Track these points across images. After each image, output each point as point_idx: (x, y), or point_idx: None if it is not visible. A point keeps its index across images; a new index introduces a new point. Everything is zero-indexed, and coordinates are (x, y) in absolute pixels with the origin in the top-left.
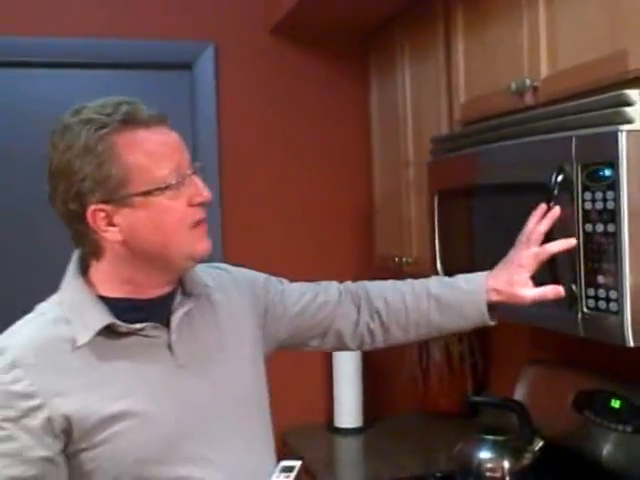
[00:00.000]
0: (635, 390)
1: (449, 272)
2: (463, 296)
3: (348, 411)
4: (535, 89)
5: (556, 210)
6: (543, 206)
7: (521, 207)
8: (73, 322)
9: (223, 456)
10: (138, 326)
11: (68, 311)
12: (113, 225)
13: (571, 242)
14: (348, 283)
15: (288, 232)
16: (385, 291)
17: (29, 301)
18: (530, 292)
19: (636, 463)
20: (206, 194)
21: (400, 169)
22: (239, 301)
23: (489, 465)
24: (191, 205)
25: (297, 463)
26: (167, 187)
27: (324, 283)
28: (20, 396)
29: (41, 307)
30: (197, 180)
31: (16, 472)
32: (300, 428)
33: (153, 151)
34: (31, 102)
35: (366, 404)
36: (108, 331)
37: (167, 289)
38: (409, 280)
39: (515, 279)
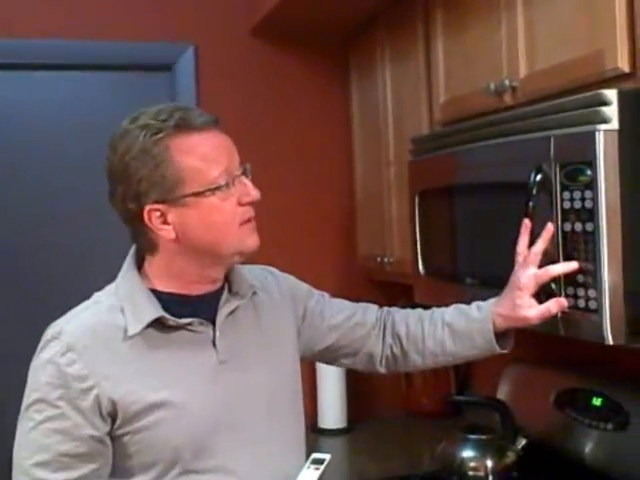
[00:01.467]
0: (616, 388)
1: (430, 272)
2: (473, 324)
3: (332, 412)
4: (514, 89)
5: (549, 228)
6: (527, 224)
7: (501, 206)
8: (126, 312)
9: (255, 451)
10: (186, 321)
11: (123, 301)
12: (167, 223)
13: (573, 265)
14: (378, 307)
15: (270, 232)
16: (408, 317)
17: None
18: (534, 312)
19: (618, 461)
20: (254, 194)
21: (381, 169)
22: (281, 303)
23: (472, 464)
24: (240, 204)
25: (327, 456)
26: (217, 188)
27: (363, 304)
28: (74, 378)
29: (97, 295)
30: (246, 181)
31: (67, 448)
32: None
33: (204, 154)
34: (11, 104)
35: (350, 405)
36: (158, 323)
37: (215, 287)
38: (434, 308)
39: (517, 303)
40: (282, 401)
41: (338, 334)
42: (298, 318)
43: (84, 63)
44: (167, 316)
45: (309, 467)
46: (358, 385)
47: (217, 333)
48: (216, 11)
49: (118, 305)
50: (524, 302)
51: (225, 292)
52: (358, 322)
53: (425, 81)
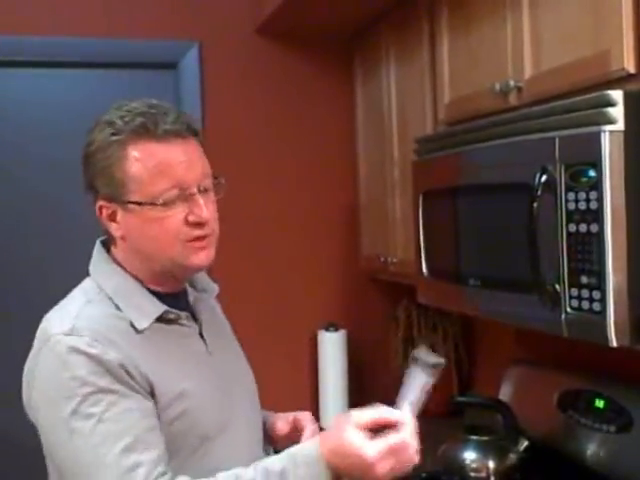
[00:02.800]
0: (619, 390)
1: (433, 272)
2: None
3: (333, 411)
4: (519, 90)
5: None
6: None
7: (506, 207)
8: (123, 307)
9: (246, 432)
10: (184, 314)
11: (116, 297)
12: (116, 221)
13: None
14: None
15: (273, 231)
16: None
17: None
18: None
19: (620, 463)
20: (199, 214)
21: (385, 169)
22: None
23: (474, 465)
24: (186, 223)
25: (441, 360)
26: (158, 204)
27: None
28: (115, 364)
29: (81, 292)
30: (198, 199)
31: (144, 424)
32: None
33: (154, 166)
34: (15, 102)
35: (351, 404)
36: (160, 317)
37: (178, 288)
38: None
39: None
40: (251, 384)
41: None
42: None
43: (88, 61)
44: (170, 309)
45: (416, 369)
46: (360, 384)
47: (203, 326)
48: (221, 9)
49: (110, 302)
50: None
51: (190, 289)
52: None
53: (430, 81)
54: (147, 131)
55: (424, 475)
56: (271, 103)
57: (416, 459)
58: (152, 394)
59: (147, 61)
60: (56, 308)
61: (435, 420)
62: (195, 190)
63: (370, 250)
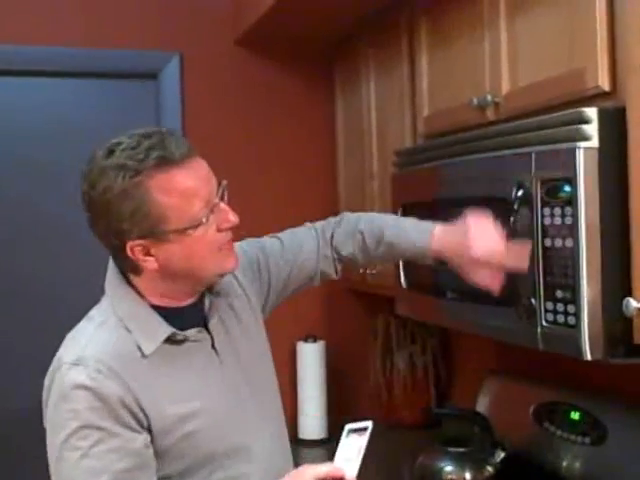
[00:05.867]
0: (594, 402)
1: (412, 284)
2: (412, 247)
3: (312, 422)
4: (496, 105)
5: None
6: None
7: None
8: (134, 331)
9: (262, 445)
10: (191, 332)
11: (126, 320)
12: (150, 255)
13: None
14: (322, 225)
15: None
16: (354, 234)
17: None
18: (477, 278)
19: (595, 475)
20: (233, 219)
21: (365, 181)
22: (243, 283)
23: (451, 477)
24: (219, 230)
25: (368, 423)
26: (199, 224)
27: (301, 234)
28: (112, 397)
29: (97, 314)
30: (224, 207)
31: (124, 464)
32: None
33: (185, 190)
34: None
35: (330, 415)
36: (167, 338)
37: (198, 296)
38: (379, 223)
39: (468, 269)
40: (269, 385)
41: (292, 285)
42: (256, 285)
43: (69, 70)
44: (177, 332)
45: (348, 436)
46: (338, 395)
47: (215, 338)
48: (202, 20)
49: (121, 324)
50: (474, 268)
51: (207, 294)
52: (305, 260)
53: (409, 94)
54: (167, 161)
55: None
56: (251, 114)
57: None
58: (148, 425)
59: (128, 71)
60: (76, 329)
61: (413, 431)
62: (217, 200)
63: None
